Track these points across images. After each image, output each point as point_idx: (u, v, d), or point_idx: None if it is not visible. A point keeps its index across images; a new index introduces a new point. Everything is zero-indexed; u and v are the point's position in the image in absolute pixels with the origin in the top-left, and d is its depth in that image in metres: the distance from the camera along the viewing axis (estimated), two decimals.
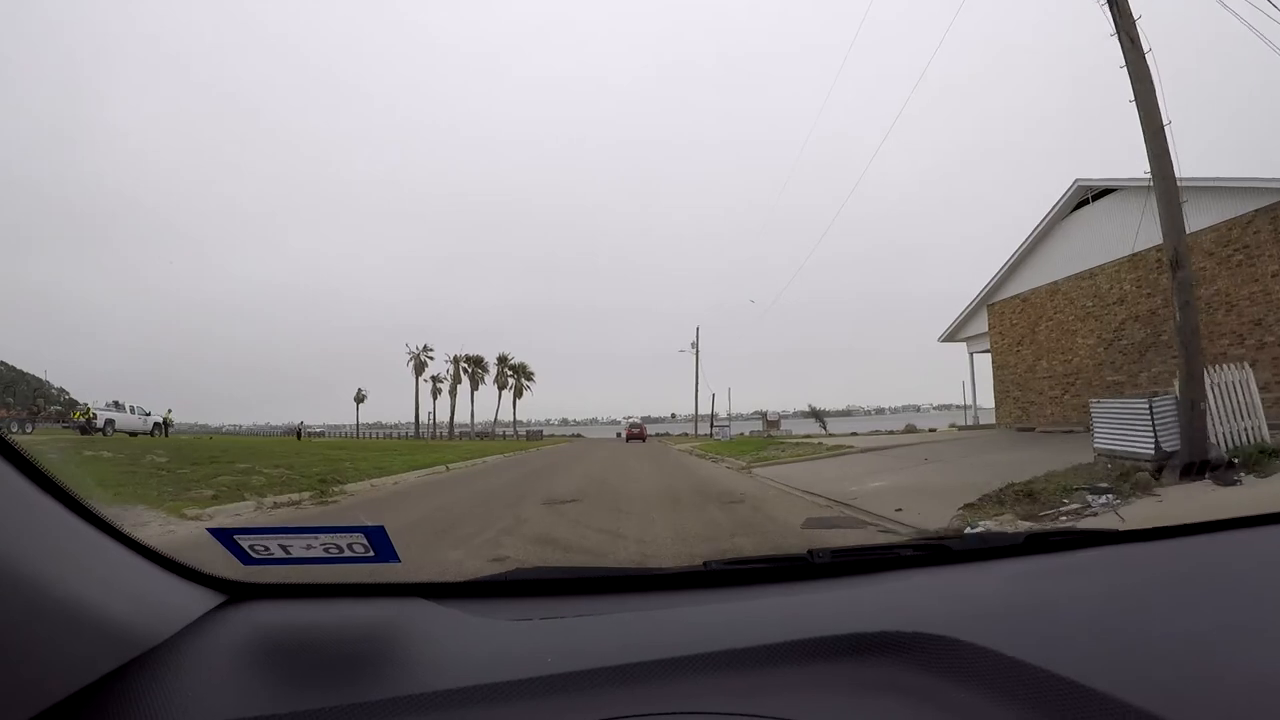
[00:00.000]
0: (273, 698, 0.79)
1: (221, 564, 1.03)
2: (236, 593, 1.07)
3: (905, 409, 49.40)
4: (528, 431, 54.64)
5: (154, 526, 5.34)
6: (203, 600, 1.03)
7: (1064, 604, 0.94)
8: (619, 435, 62.96)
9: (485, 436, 57.02)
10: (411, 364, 63.82)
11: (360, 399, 63.38)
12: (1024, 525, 4.80)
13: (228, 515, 6.10)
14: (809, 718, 0.75)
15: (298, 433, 42.21)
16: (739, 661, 0.85)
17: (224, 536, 0.98)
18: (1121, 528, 1.37)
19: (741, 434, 41.70)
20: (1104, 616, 0.87)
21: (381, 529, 0.99)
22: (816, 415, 46.60)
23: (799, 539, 4.42)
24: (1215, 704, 0.68)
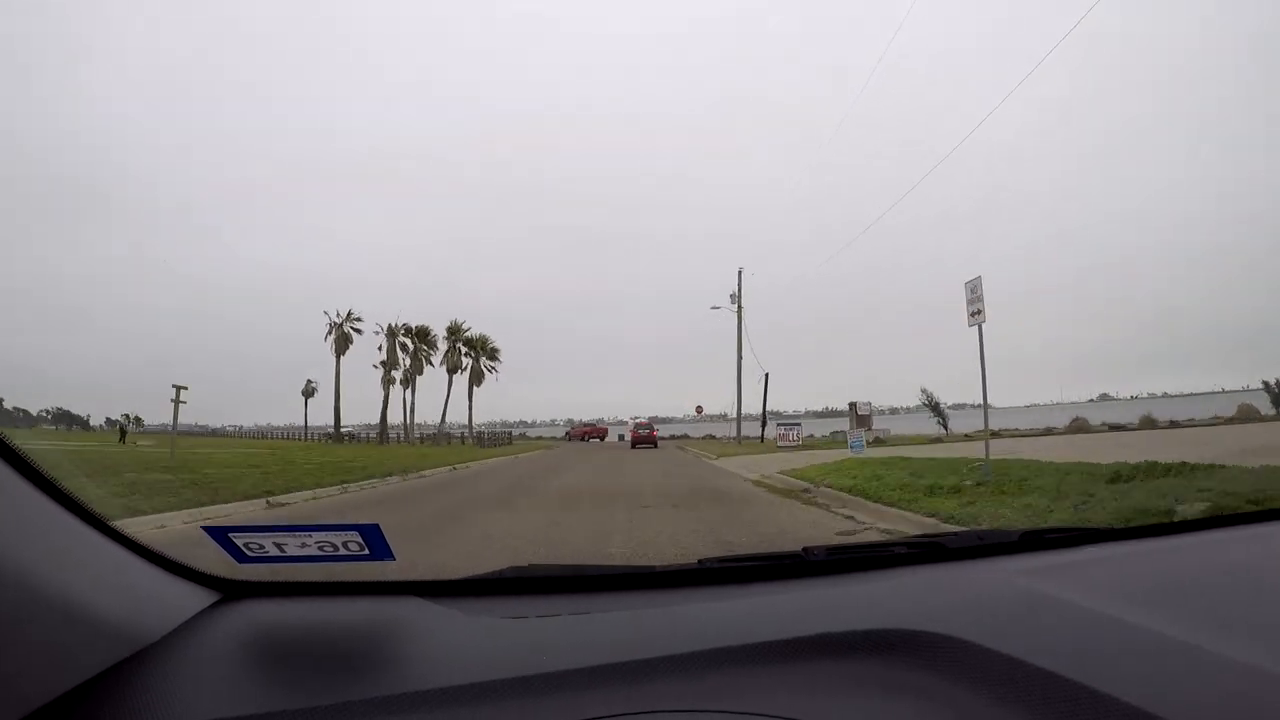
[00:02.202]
0: (268, 696, 0.84)
1: (216, 562, 1.10)
2: (231, 591, 1.13)
3: (919, 408, 41.19)
4: (485, 434, 30.75)
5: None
6: (197, 598, 1.08)
7: (1060, 601, 1.01)
8: (621, 438, 51.74)
9: (433, 440, 47.47)
10: (331, 339, 51.45)
11: (309, 393, 55.75)
12: None
13: None
14: (804, 715, 0.79)
15: (121, 432, 34.47)
16: (734, 659, 0.91)
17: (219, 534, 1.03)
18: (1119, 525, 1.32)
19: (812, 435, 31.68)
20: (1101, 614, 0.94)
21: (376, 527, 1.04)
22: (934, 408, 33.02)
23: None
24: (1213, 703, 0.71)
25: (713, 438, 47.79)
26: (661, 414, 45.87)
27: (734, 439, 36.69)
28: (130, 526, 8.59)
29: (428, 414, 47.29)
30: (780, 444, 26.96)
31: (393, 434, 45.12)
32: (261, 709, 0.79)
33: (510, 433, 46.04)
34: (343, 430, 45.61)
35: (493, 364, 45.43)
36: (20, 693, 0.72)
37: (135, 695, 0.81)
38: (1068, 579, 1.11)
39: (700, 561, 1.31)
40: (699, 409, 42.94)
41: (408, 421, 46.35)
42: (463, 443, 41.29)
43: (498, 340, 46.87)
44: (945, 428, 30.92)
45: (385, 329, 44.46)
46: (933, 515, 6.55)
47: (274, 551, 1.03)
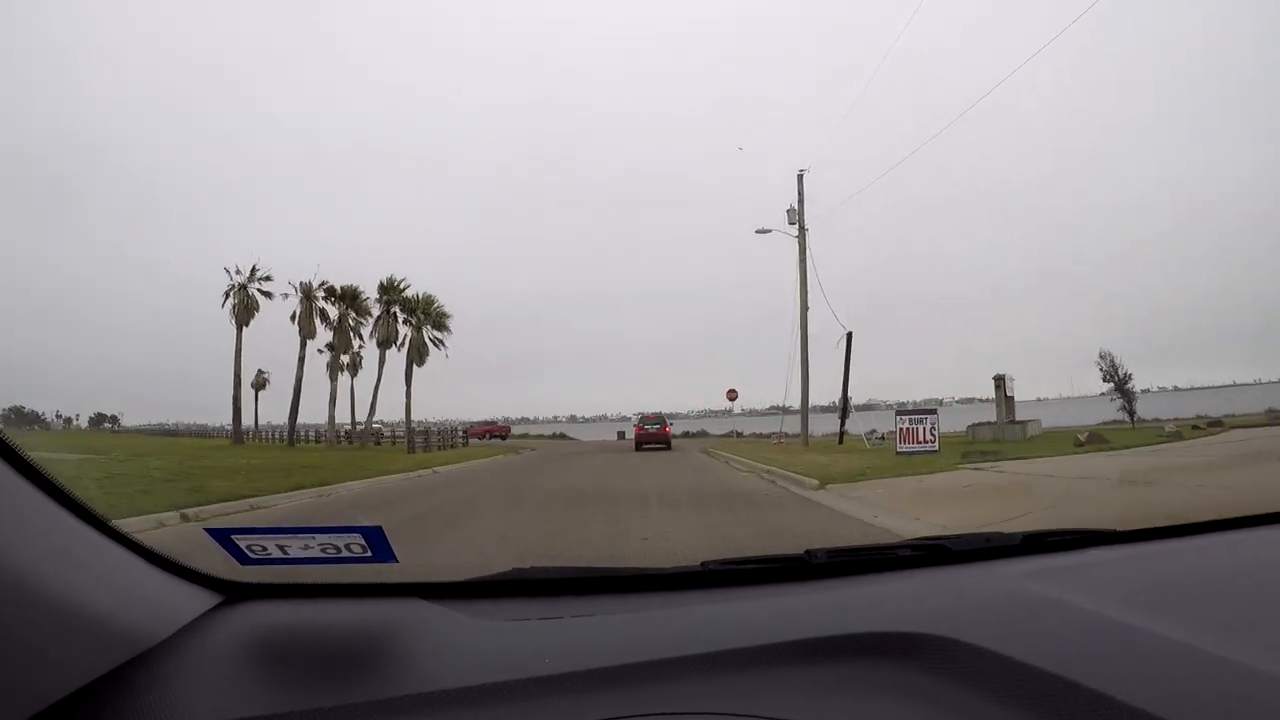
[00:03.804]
0: (270, 698, 0.88)
1: (218, 564, 1.14)
2: (234, 593, 1.19)
3: (926, 402, 31.45)
4: (433, 433, 33.34)
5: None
6: (200, 600, 1.13)
7: (1063, 604, 1.07)
8: (621, 435, 41.31)
9: (357, 440, 35.85)
10: (230, 304, 36.33)
11: (260, 385, 43.78)
12: None
13: None
14: (807, 718, 0.83)
15: None
16: (737, 662, 0.94)
17: (221, 536, 1.07)
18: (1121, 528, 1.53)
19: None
20: (1104, 617, 0.99)
21: (379, 529, 1.07)
22: (1121, 387, 22.89)
23: None
24: (1215, 704, 0.76)
25: (739, 435, 38.66)
26: (666, 410, 34.02)
27: (782, 437, 24.37)
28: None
29: (399, 409, 35.72)
30: (903, 448, 14.29)
31: (364, 431, 33.31)
32: (265, 711, 0.83)
33: (453, 432, 33.55)
34: (243, 427, 33.28)
35: (440, 335, 33.16)
36: (22, 695, 0.76)
37: (138, 698, 0.85)
38: (1070, 582, 1.18)
39: (703, 564, 1.37)
40: (731, 394, 30.45)
41: (348, 415, 34.42)
42: (396, 441, 29.05)
43: (500, 337, 34.67)
44: (1132, 415, 22.32)
45: (300, 290, 32.06)
46: None
47: (277, 554, 1.07)
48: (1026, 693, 0.80)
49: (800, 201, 24.76)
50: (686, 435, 44.72)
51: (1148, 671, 0.81)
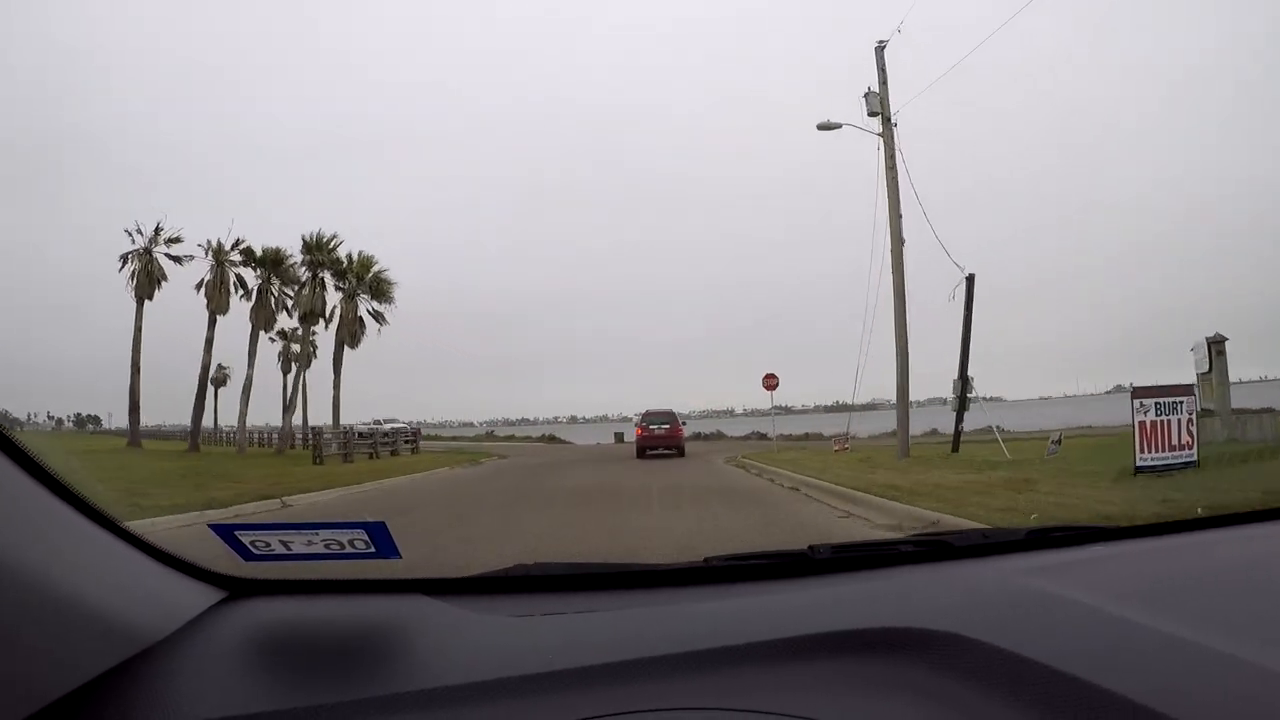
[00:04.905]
0: (274, 694, 0.92)
1: (222, 560, 1.21)
2: (237, 589, 1.25)
3: (929, 402, 28.82)
4: (335, 433, 29.90)
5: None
6: (203, 596, 1.18)
7: (1067, 600, 1.10)
8: (619, 437, 36.14)
9: (279, 443, 30.72)
10: (129, 270, 29.59)
11: (220, 381, 37.50)
12: None
13: None
14: (811, 713, 0.86)
15: None
16: (740, 658, 0.98)
17: (225, 532, 1.14)
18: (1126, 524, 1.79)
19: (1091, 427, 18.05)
20: (1108, 612, 1.03)
21: (383, 525, 1.13)
22: None
23: None
24: (1216, 700, 0.79)
25: (761, 436, 34.09)
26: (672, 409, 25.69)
27: (845, 441, 17.15)
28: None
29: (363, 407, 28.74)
30: (1146, 459, 7.30)
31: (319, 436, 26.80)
32: (267, 707, 0.85)
33: (415, 435, 26.14)
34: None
35: (380, 308, 25.68)
36: (26, 691, 0.77)
37: (141, 693, 0.87)
38: (1074, 577, 1.22)
39: (706, 560, 1.41)
40: (770, 380, 22.30)
41: (322, 416, 27.84)
42: (313, 438, 22.38)
43: (499, 336, 27.67)
44: None
45: (211, 250, 24.96)
46: None
47: (280, 549, 1.11)
48: (1028, 688, 0.82)
49: (882, 83, 16.62)
50: (699, 437, 39.86)
51: (1149, 667, 0.84)
